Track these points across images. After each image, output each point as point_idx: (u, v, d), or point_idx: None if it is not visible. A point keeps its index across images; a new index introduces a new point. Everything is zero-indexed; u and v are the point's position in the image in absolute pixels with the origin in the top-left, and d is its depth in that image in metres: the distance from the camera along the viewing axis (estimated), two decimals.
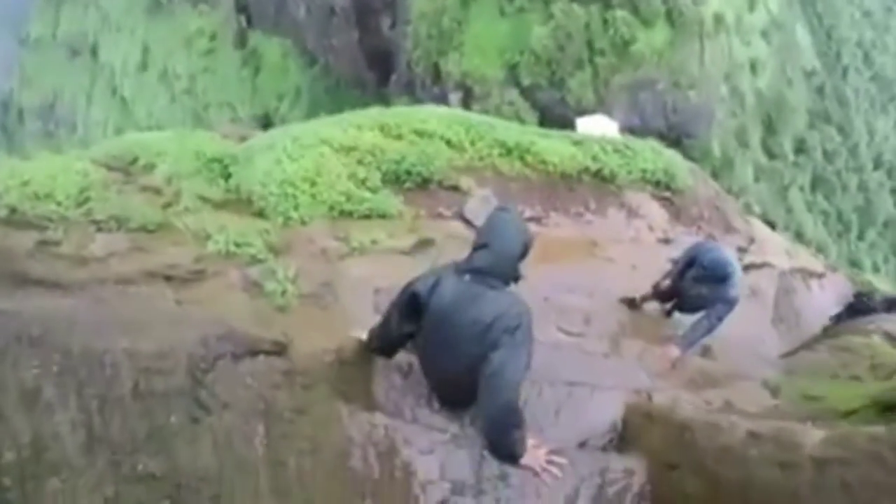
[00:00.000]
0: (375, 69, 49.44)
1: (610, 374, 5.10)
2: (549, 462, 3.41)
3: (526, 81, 40.09)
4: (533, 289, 6.32)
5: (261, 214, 7.09)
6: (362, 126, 8.89)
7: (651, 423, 4.09)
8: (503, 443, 3.38)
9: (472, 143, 8.98)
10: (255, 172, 7.61)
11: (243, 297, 5.42)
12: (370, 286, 5.70)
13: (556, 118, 32.12)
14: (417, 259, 6.33)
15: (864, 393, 4.40)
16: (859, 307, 11.20)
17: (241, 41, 60.34)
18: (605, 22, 40.07)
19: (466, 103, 36.69)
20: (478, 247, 3.67)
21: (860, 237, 52.21)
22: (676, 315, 7.03)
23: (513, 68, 40.71)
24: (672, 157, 10.71)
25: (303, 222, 6.95)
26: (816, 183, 50.73)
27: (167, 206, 6.48)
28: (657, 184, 9.94)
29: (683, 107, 39.55)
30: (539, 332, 5.28)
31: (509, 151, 8.95)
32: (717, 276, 5.75)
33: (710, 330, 5.78)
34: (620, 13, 39.85)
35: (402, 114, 9.65)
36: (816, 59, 54.63)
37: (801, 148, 50.37)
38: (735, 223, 11.28)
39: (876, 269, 47.51)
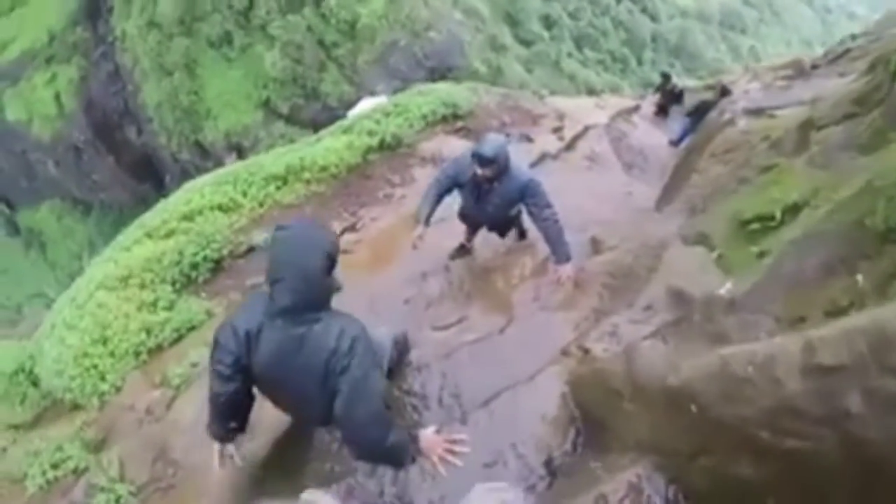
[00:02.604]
0: (147, 180, 46.79)
1: (519, 352, 3.98)
2: (449, 449, 2.99)
3: (284, 109, 39.02)
4: (386, 297, 5.39)
5: (76, 406, 5.95)
6: (130, 245, 7.60)
7: (619, 398, 2.91)
8: (386, 457, 2.92)
9: (245, 194, 7.89)
10: (49, 364, 6.35)
11: None
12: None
13: (331, 125, 31.19)
14: None
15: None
16: (700, 110, 11.11)
17: (13, 228, 55.66)
18: (324, 16, 39.48)
19: (243, 159, 35.05)
20: (273, 281, 2.75)
21: (639, 62, 55.18)
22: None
23: (266, 103, 39.49)
24: (444, 87, 10.10)
25: (117, 389, 5.80)
26: (579, 42, 53.01)
27: None
28: (444, 119, 9.26)
29: (432, 49, 39.71)
30: (419, 345, 4.43)
31: (285, 180, 7.92)
32: (503, 165, 4.74)
33: (557, 221, 4.84)
34: (333, 1, 39.36)
35: (166, 206, 8.38)
36: None
37: (549, 23, 52.30)
38: (537, 110, 10.88)
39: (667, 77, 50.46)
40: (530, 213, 4.80)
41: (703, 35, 58.84)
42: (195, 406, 4.75)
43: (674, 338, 2.72)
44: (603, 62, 54.03)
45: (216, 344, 3.00)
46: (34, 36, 46.50)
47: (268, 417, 4.24)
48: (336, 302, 2.91)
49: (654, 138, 11.93)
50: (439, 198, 5.00)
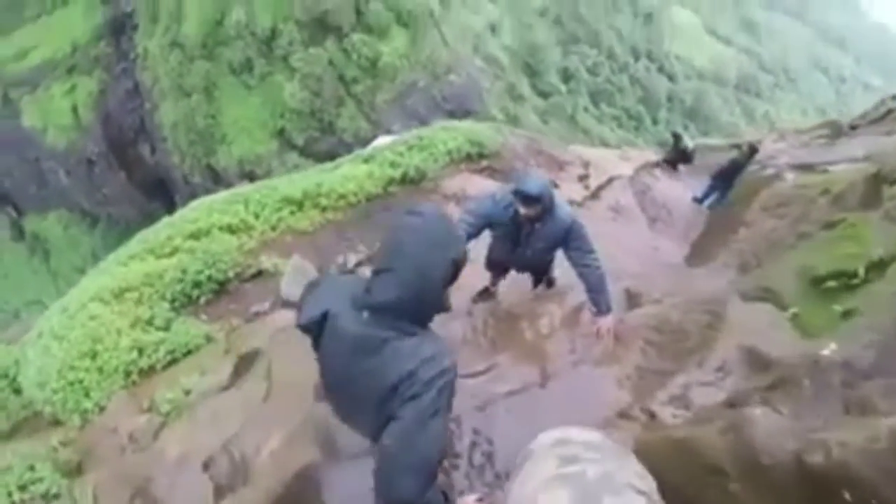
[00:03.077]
0: (156, 198, 46.72)
1: (562, 409, 3.48)
2: None
3: (299, 140, 39.09)
4: None
5: (56, 422, 5.58)
6: (132, 258, 7.24)
7: (721, 477, 2.31)
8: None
9: (257, 216, 7.53)
10: (31, 373, 6.03)
11: None
12: (197, 463, 4.06)
13: None
14: (244, 388, 4.74)
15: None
16: (730, 168, 10.76)
17: (18, 233, 55.55)
18: (345, 51, 39.82)
19: None
20: (379, 270, 2.18)
21: (654, 121, 55.47)
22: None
23: (281, 133, 39.54)
24: (468, 125, 9.81)
25: (101, 409, 5.39)
26: (595, 98, 53.42)
27: None
28: (469, 157, 8.94)
29: (450, 92, 39.95)
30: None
31: (300, 205, 7.58)
32: (547, 205, 4.31)
33: (599, 268, 4.44)
34: (356, 37, 39.71)
35: (172, 223, 8.02)
36: None
37: (567, 76, 52.83)
38: (563, 157, 10.58)
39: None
40: (570, 258, 4.37)
41: (719, 98, 59.29)
42: (184, 440, 4.31)
43: (786, 405, 2.29)
44: (618, 119, 54.37)
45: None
46: (57, 45, 46.97)
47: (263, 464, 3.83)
48: None
49: (678, 193, 11.62)
50: (468, 239, 4.52)
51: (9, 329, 14.12)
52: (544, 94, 50.49)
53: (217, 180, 39.81)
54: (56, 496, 4.36)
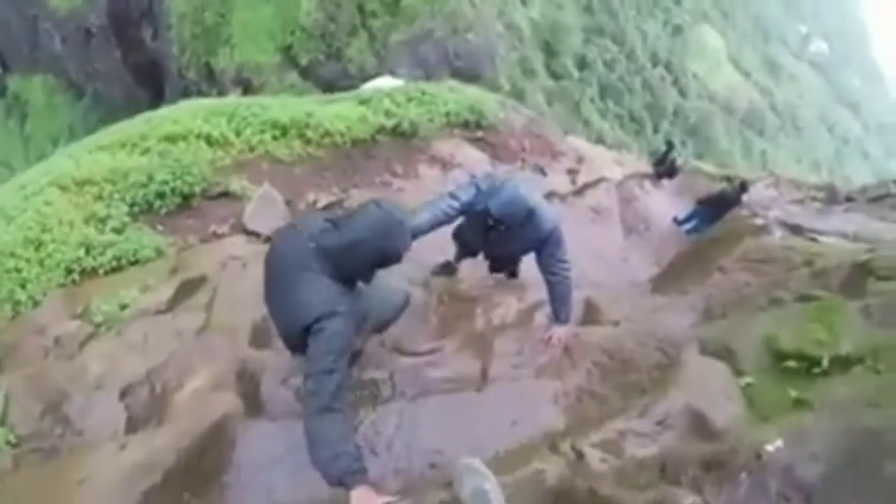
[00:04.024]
0: (147, 85, 45.21)
1: (491, 420, 3.32)
2: None
3: (303, 60, 38.04)
4: None
5: None
6: (101, 148, 6.92)
7: None
8: (318, 465, 2.51)
9: (238, 133, 7.24)
10: None
11: None
12: (116, 388, 3.87)
13: (343, 91, 30.40)
14: (181, 316, 4.53)
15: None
16: (718, 200, 10.67)
17: (0, 89, 53.74)
18: None
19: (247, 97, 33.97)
20: (336, 223, 2.89)
21: (655, 130, 55.14)
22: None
23: (287, 50, 38.47)
24: (475, 92, 9.55)
25: (35, 303, 5.13)
26: (604, 91, 52.85)
27: None
28: (466, 124, 8.70)
29: (465, 50, 39.18)
30: (381, 365, 3.87)
31: (284, 132, 7.29)
32: (519, 219, 4.18)
33: (568, 279, 4.32)
34: None
35: (153, 119, 7.69)
36: None
37: (583, 64, 52.11)
38: (558, 146, 10.39)
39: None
40: (540, 263, 4.21)
41: (723, 125, 59.21)
42: (108, 359, 4.11)
43: (717, 498, 2.20)
44: (621, 118, 54.05)
45: None
46: None
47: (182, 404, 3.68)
48: None
49: (661, 210, 11.55)
50: (443, 223, 4.28)
51: None
52: (556, 76, 49.83)
53: (212, 81, 38.73)
54: None
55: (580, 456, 2.66)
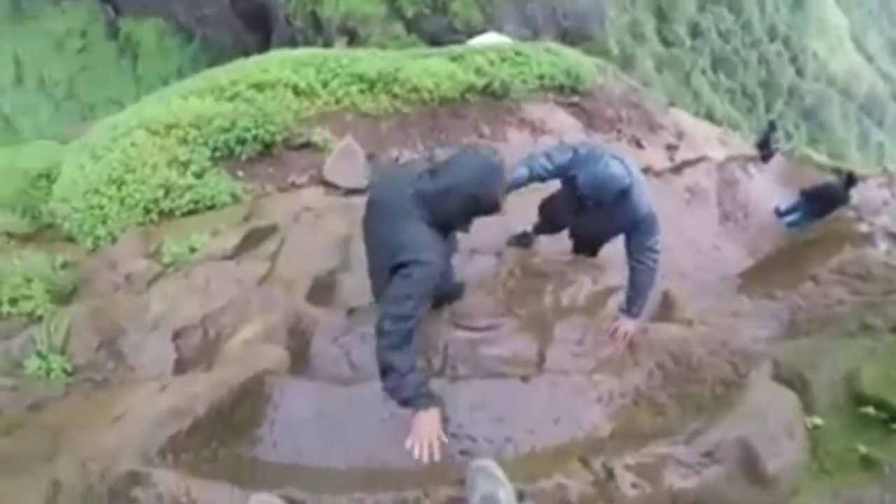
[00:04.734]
0: (254, 31, 46.07)
1: (530, 418, 3.09)
2: (434, 443, 2.58)
3: (409, 13, 37.76)
4: None
5: (71, 239, 5.58)
6: (192, 93, 7.01)
7: None
8: (387, 390, 2.70)
9: (325, 85, 7.16)
10: (63, 183, 6.00)
11: None
12: (170, 329, 3.89)
13: (448, 46, 30.08)
14: (245, 264, 4.50)
15: None
16: (823, 192, 9.85)
17: (112, 32, 56.05)
18: None
19: (352, 47, 34.17)
20: (432, 170, 2.86)
21: (768, 108, 52.22)
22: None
23: (394, 1, 38.39)
24: (573, 55, 9.08)
25: (113, 239, 5.34)
26: (717, 63, 50.36)
27: None
28: (561, 89, 8.31)
29: (574, 9, 38.00)
30: (437, 336, 3.72)
31: (371, 85, 7.16)
32: (610, 197, 3.81)
33: (654, 269, 3.98)
34: None
35: (243, 66, 7.73)
36: None
37: (696, 32, 49.69)
38: (659, 118, 9.81)
39: (789, 137, 47.77)
40: (628, 247, 3.88)
41: (840, 110, 55.38)
42: (169, 300, 4.12)
43: None
44: (732, 93, 51.44)
45: None
46: None
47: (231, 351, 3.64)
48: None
49: (764, 197, 10.82)
50: (535, 180, 4.02)
51: (77, 125, 14.31)
52: (667, 43, 47.77)
53: (318, 30, 39.11)
54: (39, 318, 4.26)
55: (610, 476, 2.42)
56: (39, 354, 3.84)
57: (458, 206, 2.74)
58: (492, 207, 2.79)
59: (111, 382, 3.63)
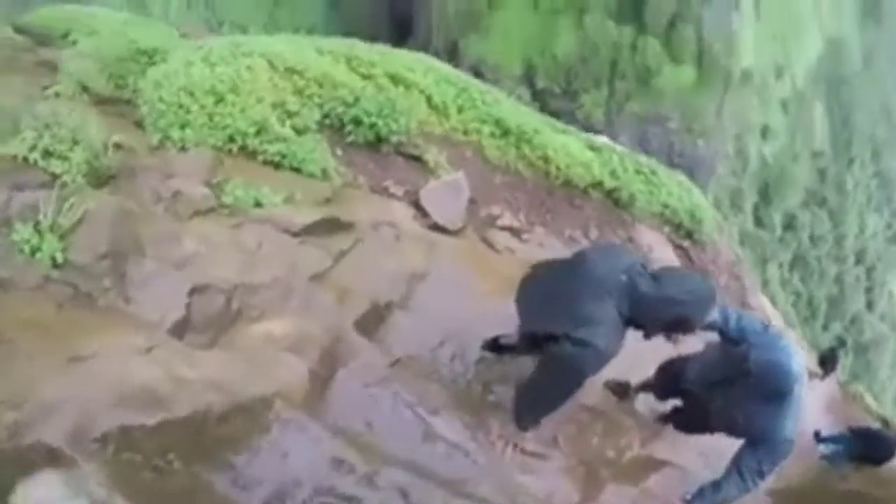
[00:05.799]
0: (393, 28, 47.35)
1: None
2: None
3: (540, 84, 38.29)
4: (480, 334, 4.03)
5: (140, 125, 5.05)
6: (326, 52, 6.56)
7: None
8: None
9: (460, 111, 6.68)
10: (159, 71, 5.48)
11: None
12: (193, 279, 3.30)
13: None
14: (308, 248, 3.93)
15: None
16: (876, 440, 8.99)
17: None
18: (634, 47, 38.49)
19: None
20: (653, 274, 2.91)
21: (825, 328, 51.25)
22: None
23: (530, 67, 38.71)
24: (701, 199, 8.52)
25: (182, 148, 4.77)
26: (796, 263, 49.84)
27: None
28: (678, 227, 7.71)
29: (691, 153, 38.06)
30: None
31: (505, 134, 6.65)
32: (767, 392, 3.18)
33: (743, 495, 3.34)
34: (652, 41, 38.22)
35: (385, 53, 7.29)
36: (827, 142, 53.47)
37: (790, 224, 49.43)
38: (751, 299, 9.12)
39: None
40: (741, 456, 3.27)
41: (892, 357, 53.78)
42: (206, 245, 3.58)
43: None
44: (798, 296, 50.72)
45: None
46: None
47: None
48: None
49: (806, 417, 10.03)
50: (714, 329, 3.35)
51: (201, 30, 14.13)
52: (759, 222, 47.49)
53: (451, 58, 39.57)
54: (64, 185, 3.60)
55: None
56: (36, 226, 3.24)
57: (666, 316, 2.79)
58: (690, 328, 2.86)
59: (96, 302, 3.05)
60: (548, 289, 3.01)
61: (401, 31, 46.26)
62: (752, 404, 3.19)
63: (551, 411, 3.05)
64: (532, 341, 3.04)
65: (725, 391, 3.36)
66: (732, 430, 3.47)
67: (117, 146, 4.37)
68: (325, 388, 2.99)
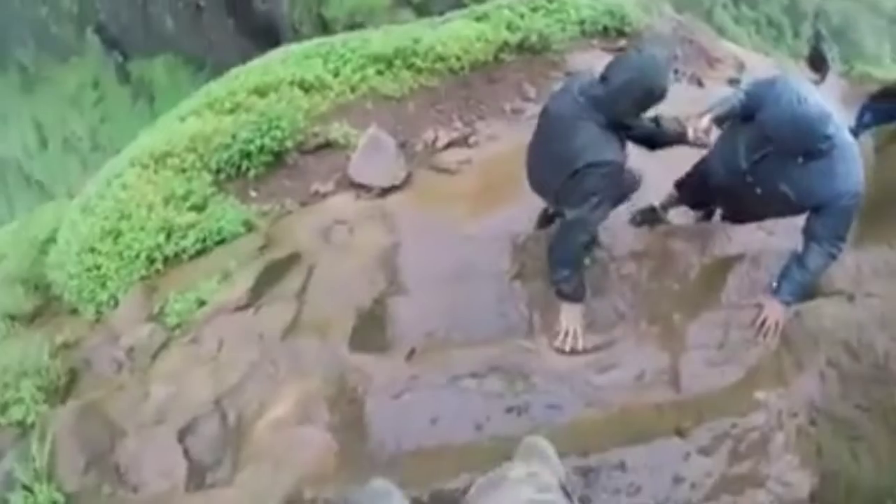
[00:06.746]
0: (263, 46, 46.04)
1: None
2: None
3: None
4: (486, 254, 3.67)
5: (74, 311, 4.67)
6: (189, 113, 6.09)
7: None
8: (556, 278, 3.02)
9: (336, 74, 6.18)
10: (57, 248, 5.15)
11: None
12: (175, 424, 2.86)
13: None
14: (264, 311, 3.46)
15: None
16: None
17: (124, 76, 57.04)
18: None
19: None
20: (602, 77, 2.92)
21: (795, 35, 50.19)
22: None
23: None
24: None
25: (116, 303, 4.38)
26: None
27: None
28: (605, 33, 7.19)
29: None
30: (523, 374, 2.72)
31: (389, 64, 6.13)
32: (801, 150, 2.70)
33: (830, 264, 2.90)
34: None
35: (238, 74, 6.80)
36: None
37: None
38: (715, 52, 8.64)
39: None
40: (812, 227, 2.90)
41: (869, 26, 52.93)
42: (174, 379, 3.13)
43: None
44: (757, 24, 49.50)
45: None
46: None
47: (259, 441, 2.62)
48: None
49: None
50: (727, 115, 3.16)
51: (83, 176, 13.50)
52: None
53: (326, 31, 38.45)
54: (31, 426, 3.33)
55: None
56: (25, 486, 2.87)
57: (632, 101, 2.83)
58: (660, 97, 2.85)
59: None
60: (543, 147, 3.17)
61: (270, 43, 45.05)
62: (793, 171, 2.82)
63: (586, 253, 3.12)
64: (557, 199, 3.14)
65: (761, 171, 2.99)
66: (789, 207, 3.01)
67: (62, 347, 4.03)
68: (357, 433, 2.55)
